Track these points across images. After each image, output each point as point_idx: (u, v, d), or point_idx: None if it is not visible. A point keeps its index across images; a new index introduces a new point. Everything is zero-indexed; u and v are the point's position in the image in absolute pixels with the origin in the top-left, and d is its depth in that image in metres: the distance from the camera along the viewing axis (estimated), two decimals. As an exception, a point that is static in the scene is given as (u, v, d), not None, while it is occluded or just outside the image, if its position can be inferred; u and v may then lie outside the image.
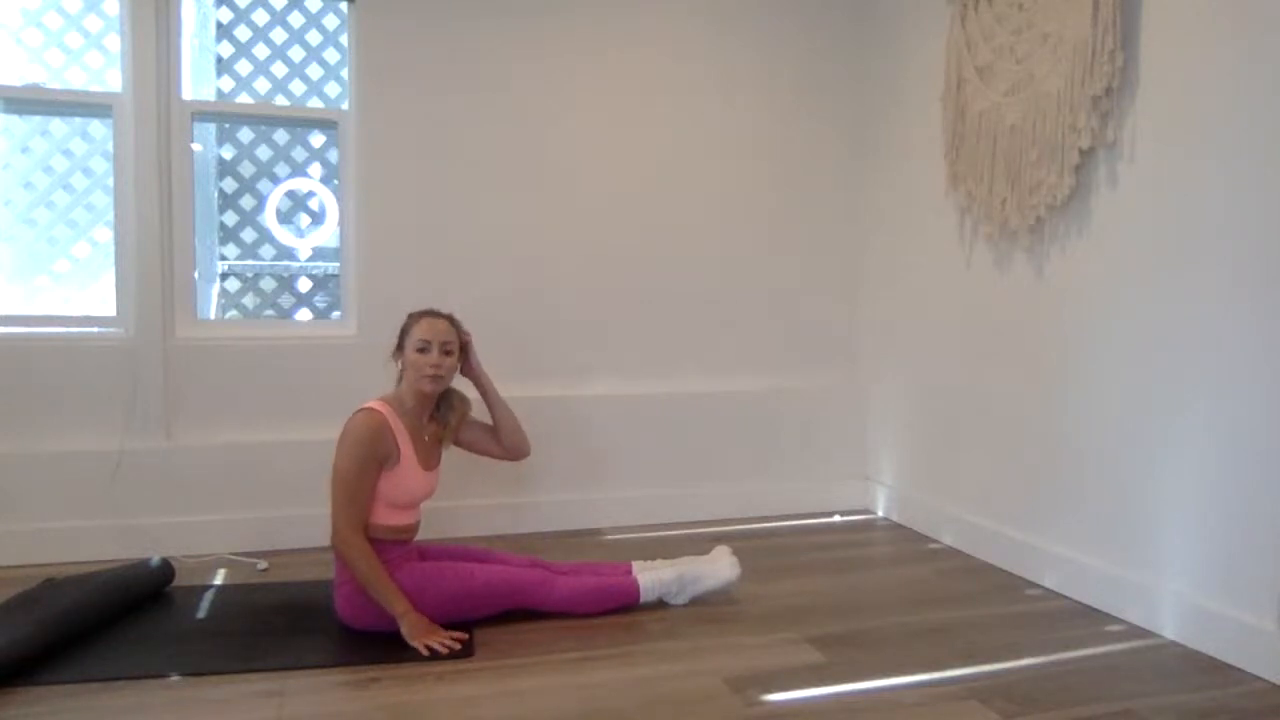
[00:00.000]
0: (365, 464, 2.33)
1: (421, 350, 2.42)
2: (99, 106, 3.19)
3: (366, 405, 2.40)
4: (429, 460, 2.51)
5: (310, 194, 5.01)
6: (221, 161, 4.82)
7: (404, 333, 2.49)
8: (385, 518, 2.39)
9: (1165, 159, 2.42)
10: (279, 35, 4.73)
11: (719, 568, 2.64)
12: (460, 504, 3.33)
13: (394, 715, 1.94)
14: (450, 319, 2.52)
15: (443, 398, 2.56)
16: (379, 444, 2.35)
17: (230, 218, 4.82)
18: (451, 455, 2.66)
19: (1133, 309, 2.52)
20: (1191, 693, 2.07)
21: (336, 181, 3.84)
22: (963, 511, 3.24)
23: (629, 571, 2.61)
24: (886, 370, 3.75)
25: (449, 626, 2.34)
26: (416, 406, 2.48)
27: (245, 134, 4.82)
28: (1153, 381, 2.45)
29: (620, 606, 2.55)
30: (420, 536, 2.58)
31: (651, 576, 2.58)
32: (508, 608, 2.46)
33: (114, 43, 3.98)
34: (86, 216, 4.29)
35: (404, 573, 2.35)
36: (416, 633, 2.26)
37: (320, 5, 4.74)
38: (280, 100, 4.70)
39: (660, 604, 2.61)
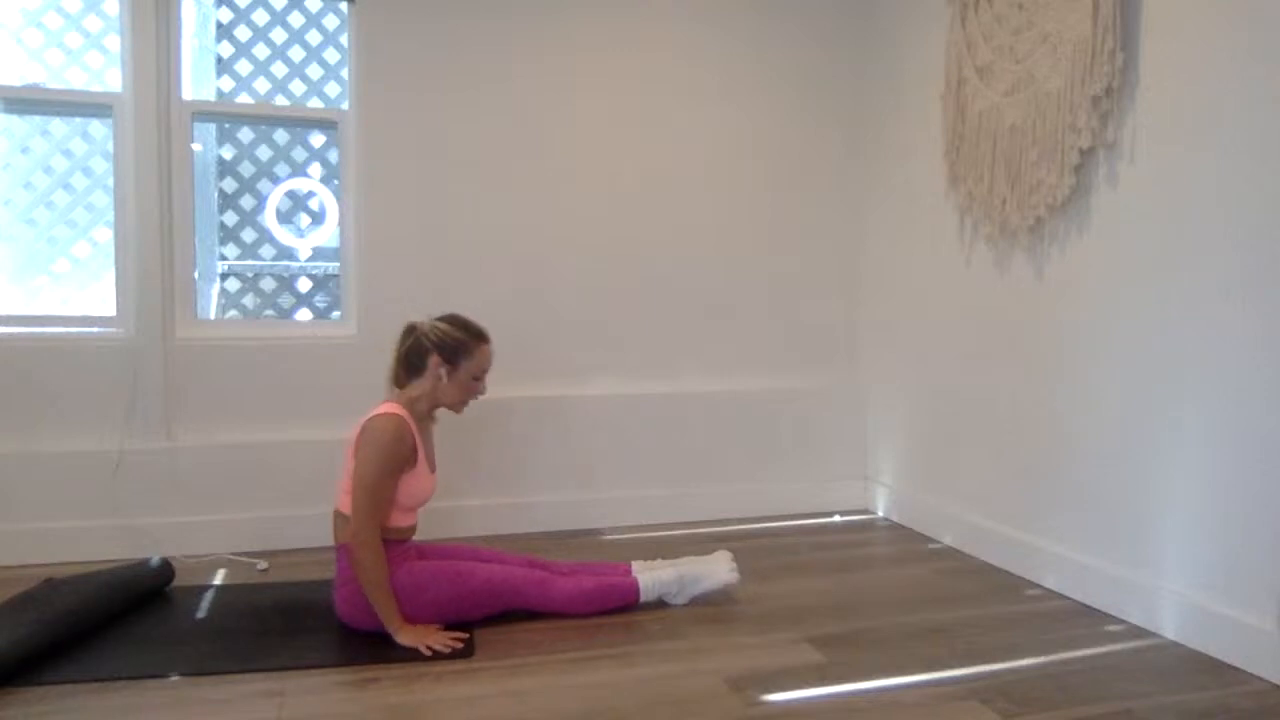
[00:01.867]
0: (392, 468, 2.33)
1: (477, 379, 2.49)
2: (99, 106, 3.19)
3: (387, 410, 2.38)
4: (433, 463, 2.53)
5: (310, 194, 5.02)
6: (221, 161, 4.83)
7: (461, 348, 2.45)
8: (393, 520, 2.39)
9: (1165, 159, 2.42)
10: (279, 35, 4.74)
11: (718, 570, 2.63)
12: (460, 504, 3.32)
13: (394, 715, 1.94)
14: None
15: None
16: (403, 448, 2.36)
17: (230, 218, 4.83)
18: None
19: (1132, 309, 2.51)
20: (1191, 693, 2.07)
21: (336, 181, 3.84)
22: (963, 511, 3.24)
23: (628, 572, 2.61)
24: (886, 370, 3.75)
25: (449, 626, 2.34)
26: (427, 413, 2.51)
27: (245, 134, 4.82)
28: (1152, 381, 2.45)
29: (620, 607, 2.55)
30: (420, 536, 2.58)
31: (651, 577, 2.58)
32: (507, 608, 2.46)
33: (114, 43, 3.99)
34: (86, 216, 4.29)
35: (403, 572, 2.35)
36: (413, 639, 2.27)
37: (320, 5, 4.74)
38: (280, 100, 4.70)
39: (660, 604, 2.61)
